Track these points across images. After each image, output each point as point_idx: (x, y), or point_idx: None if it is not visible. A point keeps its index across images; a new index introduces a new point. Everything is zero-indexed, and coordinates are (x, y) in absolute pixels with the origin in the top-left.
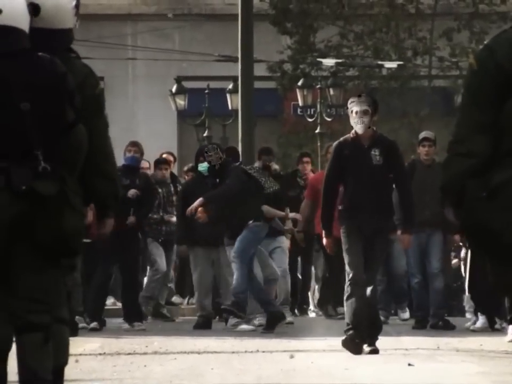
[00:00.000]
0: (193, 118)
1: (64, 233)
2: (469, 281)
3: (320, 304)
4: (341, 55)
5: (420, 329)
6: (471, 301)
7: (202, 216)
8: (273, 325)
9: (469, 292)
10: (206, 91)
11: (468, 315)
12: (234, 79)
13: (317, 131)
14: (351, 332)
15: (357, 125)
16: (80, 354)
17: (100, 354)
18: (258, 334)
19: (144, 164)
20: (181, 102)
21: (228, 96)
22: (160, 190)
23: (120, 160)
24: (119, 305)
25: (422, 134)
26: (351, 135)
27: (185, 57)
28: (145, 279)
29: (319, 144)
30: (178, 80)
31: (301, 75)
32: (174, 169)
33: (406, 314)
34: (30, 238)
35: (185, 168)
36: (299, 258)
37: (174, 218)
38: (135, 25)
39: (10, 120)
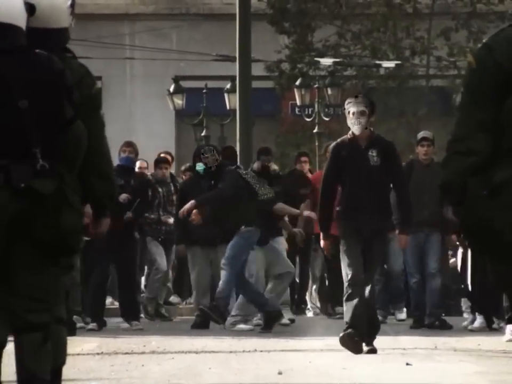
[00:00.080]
0: (191, 117)
1: (62, 231)
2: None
3: (322, 301)
4: (338, 55)
5: (417, 329)
6: (468, 300)
7: (196, 219)
8: (270, 324)
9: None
10: (204, 91)
11: (465, 315)
12: (232, 78)
13: (314, 131)
14: (349, 330)
15: (354, 126)
16: (78, 354)
17: (98, 353)
18: (256, 334)
19: (142, 164)
20: (179, 101)
21: (226, 95)
22: (160, 190)
23: (115, 160)
24: (117, 304)
25: (421, 134)
26: (348, 136)
27: (183, 56)
28: (143, 279)
29: (317, 143)
30: (176, 79)
31: (299, 74)
32: (172, 169)
33: (403, 315)
34: (29, 236)
35: (183, 168)
36: (297, 258)
37: (171, 219)
38: (133, 24)
39: (8, 118)
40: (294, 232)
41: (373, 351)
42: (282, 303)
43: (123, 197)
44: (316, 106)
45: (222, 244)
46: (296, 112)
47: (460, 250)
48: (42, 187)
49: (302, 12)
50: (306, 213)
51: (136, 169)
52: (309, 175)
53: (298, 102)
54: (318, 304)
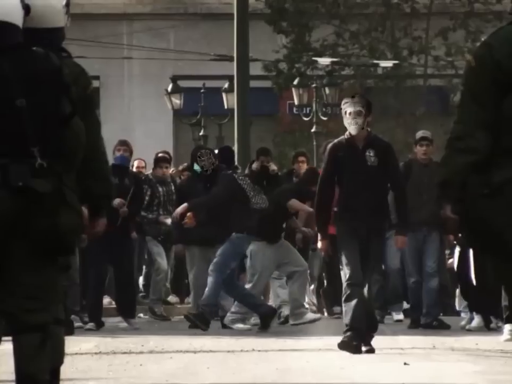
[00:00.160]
0: (189, 117)
1: (59, 231)
2: (460, 280)
3: (320, 301)
4: (336, 54)
5: (415, 329)
6: (464, 299)
7: (189, 222)
8: (267, 324)
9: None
10: (202, 90)
11: (463, 314)
12: (230, 78)
13: (312, 130)
14: (349, 333)
15: (351, 126)
16: (76, 354)
17: (96, 353)
18: (254, 333)
19: (139, 163)
20: (177, 101)
21: (224, 95)
22: (160, 189)
23: (110, 160)
24: (115, 304)
25: (419, 134)
26: (345, 136)
27: (181, 56)
28: (141, 278)
29: (314, 143)
30: (174, 79)
31: (297, 74)
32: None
33: (400, 316)
34: (27, 236)
35: (181, 168)
36: None
37: (169, 220)
38: (131, 24)
39: (6, 117)
40: (303, 232)
41: (371, 350)
42: (282, 301)
43: (117, 201)
44: (314, 105)
45: (220, 244)
46: (294, 111)
47: (457, 249)
48: (40, 186)
49: (299, 11)
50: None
51: (134, 169)
52: None
53: (296, 102)
54: (315, 301)
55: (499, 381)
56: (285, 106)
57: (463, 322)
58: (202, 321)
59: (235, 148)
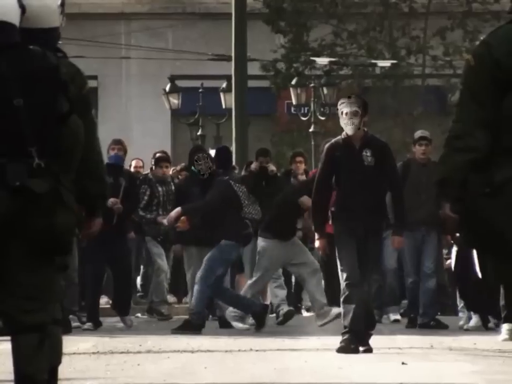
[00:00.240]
0: (187, 117)
1: (56, 231)
2: (459, 279)
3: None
4: (334, 54)
5: (413, 328)
6: (461, 299)
7: (182, 226)
8: (261, 322)
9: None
10: (200, 90)
11: (461, 314)
12: (228, 78)
13: (310, 130)
14: (348, 335)
15: (347, 126)
16: (74, 353)
17: (94, 353)
18: (251, 333)
19: (137, 163)
20: (175, 101)
21: (222, 95)
22: (160, 189)
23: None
24: None
25: (418, 133)
26: (342, 136)
27: (179, 56)
28: (138, 278)
29: (312, 143)
30: (172, 79)
31: (295, 74)
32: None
33: (397, 316)
34: (24, 236)
35: (179, 168)
36: None
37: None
38: (129, 24)
39: (4, 116)
40: (309, 230)
41: (368, 350)
42: (280, 301)
43: (112, 201)
44: (312, 105)
45: (217, 244)
46: (292, 111)
47: (454, 249)
48: (36, 186)
49: (297, 11)
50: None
51: (132, 169)
52: (304, 176)
53: (294, 101)
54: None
55: (497, 380)
56: (282, 106)
57: (461, 322)
58: (191, 328)
59: (233, 148)
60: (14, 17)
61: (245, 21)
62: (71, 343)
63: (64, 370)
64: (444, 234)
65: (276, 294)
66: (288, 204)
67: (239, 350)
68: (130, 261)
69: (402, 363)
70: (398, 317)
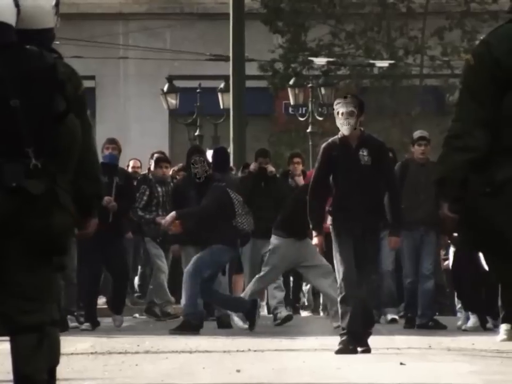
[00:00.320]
0: (185, 117)
1: (52, 231)
2: (456, 279)
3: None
4: (332, 54)
5: (411, 329)
6: (459, 299)
7: (175, 229)
8: (252, 318)
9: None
10: (198, 90)
11: (459, 314)
12: (225, 78)
13: (308, 130)
14: (346, 337)
15: (343, 127)
16: (72, 354)
17: (91, 353)
18: (249, 333)
19: (135, 163)
20: (173, 101)
21: (220, 95)
22: (159, 189)
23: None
24: None
25: (417, 133)
26: (338, 136)
27: (177, 56)
28: (136, 279)
29: (310, 143)
30: (170, 79)
31: (292, 74)
32: None
33: (394, 316)
34: (21, 236)
35: (176, 168)
36: None
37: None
38: (127, 24)
39: (1, 117)
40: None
41: (367, 350)
42: (278, 302)
43: (107, 199)
44: (310, 105)
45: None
46: (290, 111)
47: (452, 250)
48: (33, 187)
49: (295, 11)
50: None
51: (129, 169)
52: (302, 177)
53: (291, 102)
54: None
55: (495, 381)
56: (280, 106)
57: (459, 323)
58: (189, 328)
59: (231, 148)
60: (9, 17)
61: (242, 21)
62: (69, 343)
63: (62, 370)
64: (442, 234)
65: (274, 296)
66: (301, 203)
67: (237, 351)
68: (127, 260)
69: (401, 363)
70: (395, 316)
